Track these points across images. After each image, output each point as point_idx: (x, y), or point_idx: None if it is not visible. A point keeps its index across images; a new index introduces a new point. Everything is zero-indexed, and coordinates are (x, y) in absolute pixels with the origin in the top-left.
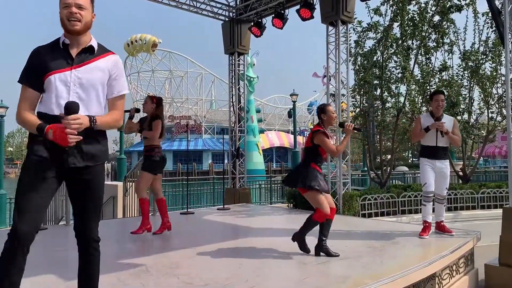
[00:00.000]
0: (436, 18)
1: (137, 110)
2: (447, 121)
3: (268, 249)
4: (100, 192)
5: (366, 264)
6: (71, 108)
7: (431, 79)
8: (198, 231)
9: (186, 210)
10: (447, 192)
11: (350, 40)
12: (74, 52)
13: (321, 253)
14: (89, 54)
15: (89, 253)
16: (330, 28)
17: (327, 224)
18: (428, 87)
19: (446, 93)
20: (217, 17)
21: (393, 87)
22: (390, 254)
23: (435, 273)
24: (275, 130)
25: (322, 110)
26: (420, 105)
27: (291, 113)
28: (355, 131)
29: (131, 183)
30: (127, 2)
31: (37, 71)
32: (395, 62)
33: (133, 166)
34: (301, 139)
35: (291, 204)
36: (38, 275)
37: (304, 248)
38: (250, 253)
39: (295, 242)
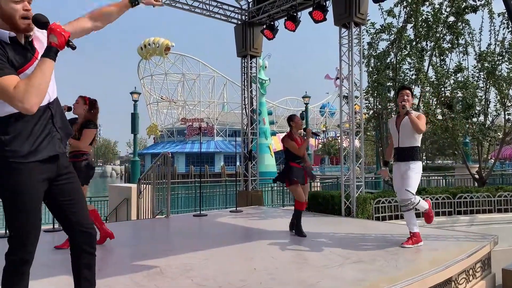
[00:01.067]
0: (451, 19)
1: (69, 109)
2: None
3: (282, 252)
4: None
5: (381, 268)
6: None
7: (446, 80)
8: (211, 233)
9: (199, 212)
10: (411, 195)
11: (363, 42)
12: (22, 40)
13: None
14: (29, 36)
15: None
16: (343, 30)
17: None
18: (442, 89)
19: (461, 94)
20: (230, 20)
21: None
22: (405, 258)
23: (451, 278)
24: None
25: (290, 118)
26: (434, 107)
27: (303, 115)
28: (314, 135)
29: (145, 185)
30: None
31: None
32: (409, 63)
33: (147, 169)
34: (313, 142)
35: None
36: (51, 276)
37: (301, 234)
38: (264, 256)
39: (293, 231)
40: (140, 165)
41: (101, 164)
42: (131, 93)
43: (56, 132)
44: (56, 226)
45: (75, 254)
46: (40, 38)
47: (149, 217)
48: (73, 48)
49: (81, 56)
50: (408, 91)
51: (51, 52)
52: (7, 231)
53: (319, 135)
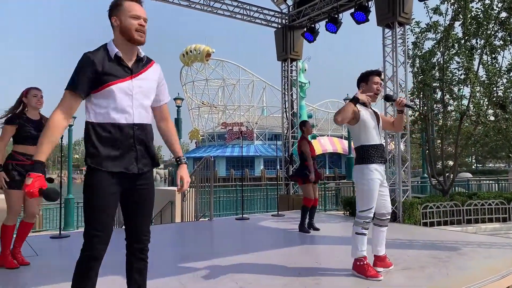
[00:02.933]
0: (503, 14)
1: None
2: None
3: (327, 257)
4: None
5: (431, 276)
6: None
7: (498, 80)
8: (254, 237)
9: (241, 215)
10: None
11: (407, 41)
12: (128, 61)
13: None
14: (141, 63)
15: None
16: (387, 30)
17: (309, 210)
18: (494, 89)
19: None
20: (270, 24)
21: (455, 89)
22: (456, 266)
23: None
24: (327, 136)
25: (303, 124)
26: (486, 107)
27: None
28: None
29: (188, 189)
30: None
31: (93, 79)
32: (457, 63)
33: (189, 172)
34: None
35: (347, 212)
36: (102, 276)
37: (304, 230)
38: (308, 261)
39: (300, 231)
40: None
41: None
42: (175, 99)
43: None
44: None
45: (129, 259)
46: (153, 69)
47: (193, 219)
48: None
49: None
50: (378, 79)
51: None
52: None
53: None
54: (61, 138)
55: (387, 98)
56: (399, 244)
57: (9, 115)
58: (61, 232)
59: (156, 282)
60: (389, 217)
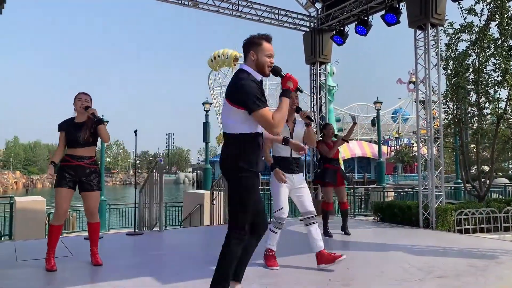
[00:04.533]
0: None
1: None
2: (301, 123)
3: (357, 263)
4: None
5: (467, 284)
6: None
7: None
8: (283, 241)
9: (269, 220)
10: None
11: (440, 43)
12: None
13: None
14: None
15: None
16: (419, 32)
17: (341, 213)
18: None
19: None
20: (298, 28)
21: (491, 91)
22: (494, 275)
23: None
24: (356, 140)
25: (323, 127)
26: None
27: (375, 122)
28: (344, 141)
29: (217, 192)
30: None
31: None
32: (494, 64)
33: (217, 176)
34: (385, 149)
35: (378, 217)
36: (135, 277)
37: (326, 234)
38: (338, 267)
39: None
40: (211, 173)
41: (174, 172)
42: (203, 103)
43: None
44: (137, 229)
45: (251, 242)
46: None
47: (221, 223)
48: (301, 91)
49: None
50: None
51: (287, 94)
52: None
53: (348, 141)
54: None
55: (297, 109)
56: (433, 251)
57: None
58: None
59: (186, 284)
60: (312, 216)
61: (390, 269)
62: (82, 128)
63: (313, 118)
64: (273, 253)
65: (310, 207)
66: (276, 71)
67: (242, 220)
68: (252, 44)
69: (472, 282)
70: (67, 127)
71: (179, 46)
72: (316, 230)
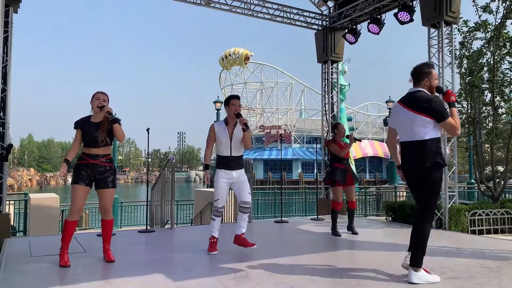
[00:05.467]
0: None
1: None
2: (240, 128)
3: (368, 262)
4: None
5: (481, 286)
6: None
7: None
8: (294, 240)
9: (280, 218)
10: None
11: (454, 41)
12: None
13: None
14: None
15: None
16: (432, 30)
17: (348, 212)
18: None
19: None
20: (310, 26)
21: (506, 90)
22: (509, 276)
23: None
24: (368, 139)
25: (335, 126)
26: None
27: (387, 121)
28: (356, 140)
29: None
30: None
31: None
32: (509, 63)
33: None
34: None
35: (390, 218)
36: (147, 274)
37: (334, 233)
38: (350, 266)
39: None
40: None
41: (185, 170)
42: (214, 102)
43: None
44: (149, 227)
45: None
46: None
47: (232, 221)
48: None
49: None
50: (238, 101)
51: (454, 104)
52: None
53: (360, 141)
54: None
55: (237, 115)
56: (446, 252)
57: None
58: None
59: (198, 281)
60: (247, 207)
61: (402, 269)
62: (99, 128)
63: (249, 126)
64: (215, 239)
65: (246, 198)
66: (439, 89)
67: (435, 204)
68: (427, 74)
69: (486, 284)
70: (84, 126)
71: (191, 45)
72: (244, 217)
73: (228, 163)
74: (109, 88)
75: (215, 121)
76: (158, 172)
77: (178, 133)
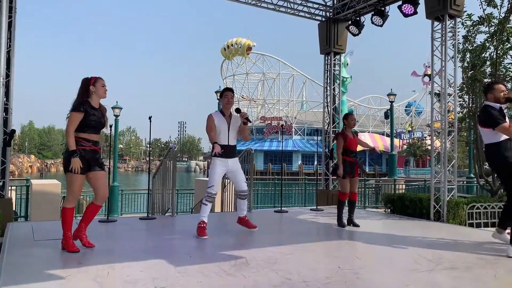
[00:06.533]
0: None
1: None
2: (236, 118)
3: (367, 252)
4: None
5: (478, 277)
6: None
7: None
8: (293, 229)
9: (279, 208)
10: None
11: (458, 35)
12: None
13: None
14: None
15: None
16: (436, 23)
17: (349, 204)
18: None
19: None
20: (313, 17)
21: (508, 85)
22: (505, 268)
23: None
24: (368, 132)
25: (345, 117)
26: None
27: (388, 114)
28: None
29: (229, 180)
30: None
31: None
32: None
33: None
34: (397, 142)
35: (389, 209)
36: (149, 259)
37: (340, 224)
38: (348, 255)
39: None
40: None
41: (186, 160)
42: (216, 92)
43: None
44: (150, 214)
45: None
46: None
47: (232, 210)
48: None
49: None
50: (231, 93)
51: None
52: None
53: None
54: (110, 127)
55: (237, 110)
56: (444, 244)
57: (77, 102)
58: (108, 217)
59: (199, 267)
60: (245, 194)
61: (400, 259)
62: (102, 114)
63: (251, 120)
64: (205, 224)
65: (243, 187)
66: (509, 100)
67: None
68: (491, 89)
69: (482, 275)
70: (89, 111)
71: (194, 34)
72: (244, 202)
73: (225, 151)
74: (108, 75)
75: (211, 112)
76: (159, 161)
77: (179, 122)
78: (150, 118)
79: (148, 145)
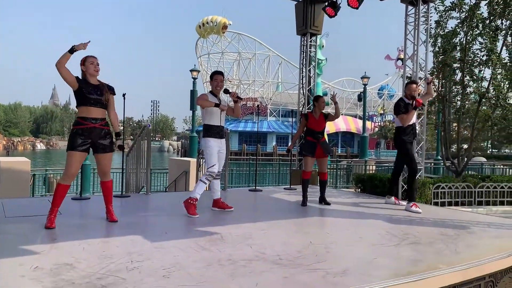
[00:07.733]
0: None
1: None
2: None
3: (337, 229)
4: None
5: (439, 251)
6: None
7: None
8: (267, 207)
9: (254, 187)
10: None
11: (430, 20)
12: None
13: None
14: None
15: None
16: (410, 7)
17: (319, 183)
18: None
19: None
20: None
21: (476, 70)
22: (465, 243)
23: None
24: (341, 115)
25: (315, 99)
26: (506, 90)
27: (361, 97)
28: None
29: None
30: None
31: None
32: (480, 44)
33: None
34: (369, 125)
35: (359, 189)
36: (125, 235)
37: (304, 203)
38: (319, 231)
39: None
40: (197, 141)
41: (158, 139)
42: (191, 70)
43: None
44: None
45: None
46: None
47: (207, 189)
48: None
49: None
50: (222, 77)
51: None
52: None
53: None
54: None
55: (225, 91)
56: (409, 221)
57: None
58: (81, 194)
59: (175, 242)
60: (221, 173)
61: (368, 234)
62: (100, 90)
63: (241, 97)
64: (196, 202)
65: (222, 166)
66: (412, 97)
67: None
68: (406, 87)
69: (444, 249)
70: (83, 85)
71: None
72: (218, 182)
73: (219, 131)
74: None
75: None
76: (131, 140)
77: (151, 101)
78: (124, 95)
79: (123, 123)
